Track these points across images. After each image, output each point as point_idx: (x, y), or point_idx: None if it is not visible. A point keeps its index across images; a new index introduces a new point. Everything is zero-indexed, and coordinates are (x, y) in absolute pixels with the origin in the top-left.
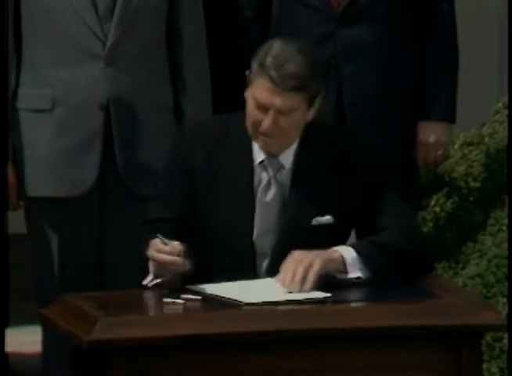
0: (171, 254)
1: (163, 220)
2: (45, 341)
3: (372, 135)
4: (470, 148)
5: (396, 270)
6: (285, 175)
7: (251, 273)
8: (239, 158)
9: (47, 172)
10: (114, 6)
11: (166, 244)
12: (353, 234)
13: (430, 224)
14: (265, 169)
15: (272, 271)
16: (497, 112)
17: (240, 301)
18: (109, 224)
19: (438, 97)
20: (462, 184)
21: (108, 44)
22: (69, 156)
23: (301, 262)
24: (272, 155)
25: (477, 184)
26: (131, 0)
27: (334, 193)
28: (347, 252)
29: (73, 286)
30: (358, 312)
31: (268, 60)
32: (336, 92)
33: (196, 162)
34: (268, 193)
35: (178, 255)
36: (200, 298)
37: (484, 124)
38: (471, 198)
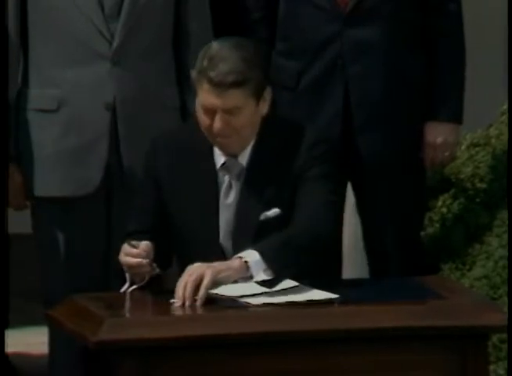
0: (138, 256)
1: (139, 231)
2: (51, 342)
3: (379, 136)
4: (477, 149)
5: (297, 265)
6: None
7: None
8: (202, 165)
9: (53, 172)
10: (121, 6)
11: (135, 247)
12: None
13: (437, 225)
14: (227, 172)
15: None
16: (504, 113)
17: (248, 302)
18: (115, 224)
19: (445, 98)
20: (468, 185)
21: (114, 44)
22: (75, 156)
23: (191, 276)
24: (232, 156)
25: (484, 185)
26: (138, 0)
27: (281, 185)
28: (250, 256)
29: (79, 286)
30: (364, 313)
31: (205, 63)
32: (343, 92)
33: (161, 173)
34: (229, 195)
35: (147, 257)
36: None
37: (490, 126)
38: (478, 199)
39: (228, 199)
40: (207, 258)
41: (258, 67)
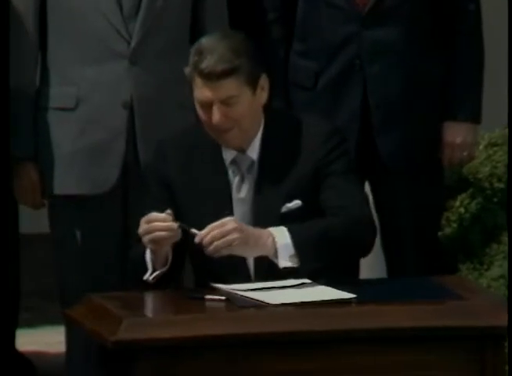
0: (166, 219)
1: None
2: (69, 341)
3: (397, 136)
4: (495, 149)
5: (328, 259)
6: (256, 169)
7: (243, 273)
8: (212, 163)
9: (70, 170)
10: (139, 6)
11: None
12: None
13: (455, 225)
14: (237, 167)
15: (259, 266)
16: None
17: (266, 302)
18: (132, 222)
19: (463, 97)
20: (486, 185)
21: (133, 43)
22: (92, 154)
23: (222, 227)
24: (240, 151)
25: (502, 185)
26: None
27: (299, 178)
28: (281, 237)
29: (94, 285)
30: (382, 313)
31: (195, 58)
32: (361, 93)
33: (171, 175)
34: (241, 189)
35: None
36: (224, 298)
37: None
38: (495, 199)
39: (241, 193)
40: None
41: (247, 55)
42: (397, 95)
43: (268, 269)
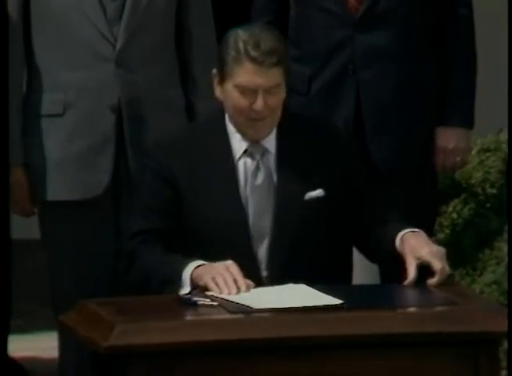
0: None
1: (147, 231)
2: (62, 346)
3: (390, 141)
4: (488, 154)
5: None
6: (271, 159)
7: (249, 260)
8: (217, 158)
9: (60, 176)
10: (123, 8)
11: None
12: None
13: (447, 230)
14: (251, 156)
15: (274, 251)
16: None
17: (254, 308)
18: (124, 226)
19: (456, 103)
20: (479, 190)
21: (118, 46)
22: (82, 159)
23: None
24: (255, 142)
25: (494, 191)
26: (140, 2)
27: (319, 171)
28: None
29: (87, 290)
30: (375, 318)
31: (241, 45)
32: (354, 98)
33: (176, 171)
34: (257, 176)
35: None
36: (216, 303)
37: (501, 131)
38: (488, 205)
39: (258, 180)
40: (231, 243)
41: (287, 48)
42: (390, 99)
43: (276, 257)
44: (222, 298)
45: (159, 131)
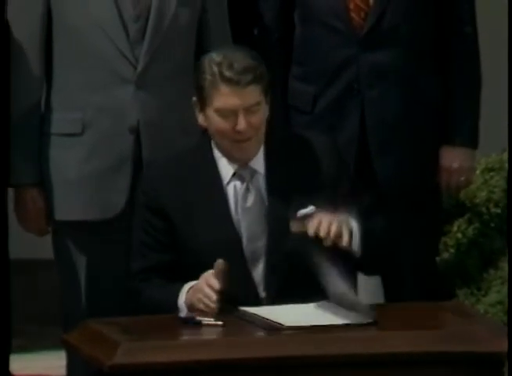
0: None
1: (145, 269)
2: (69, 365)
3: (394, 160)
4: (492, 174)
5: None
6: (260, 180)
7: (246, 282)
8: (206, 183)
9: (77, 196)
10: (145, 29)
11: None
12: None
13: (452, 250)
14: (240, 178)
15: (270, 272)
16: None
17: (285, 325)
18: None
19: (461, 122)
20: (483, 210)
21: (139, 68)
22: (99, 179)
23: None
24: (243, 164)
25: (499, 210)
26: (162, 24)
27: (308, 187)
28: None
29: (98, 311)
30: (383, 337)
31: (216, 68)
32: (359, 116)
33: (166, 201)
34: (247, 198)
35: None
36: (220, 323)
37: (505, 150)
38: (492, 224)
39: (248, 202)
40: (231, 270)
41: (263, 64)
42: (395, 118)
43: (273, 278)
44: (252, 314)
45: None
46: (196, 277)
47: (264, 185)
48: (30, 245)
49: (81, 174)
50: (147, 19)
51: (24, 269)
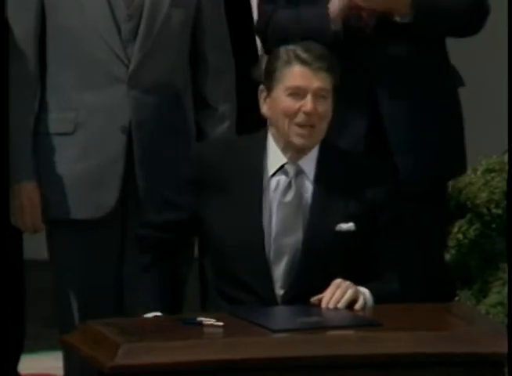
0: None
1: (166, 223)
2: (67, 366)
3: (410, 160)
4: (493, 175)
5: None
6: (305, 180)
7: (264, 277)
8: (250, 173)
9: (69, 195)
10: (138, 29)
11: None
12: None
13: (453, 251)
14: (285, 173)
15: (294, 272)
16: None
17: (266, 327)
18: (129, 247)
19: None
20: (484, 211)
21: (131, 67)
22: (91, 178)
23: (339, 288)
24: (294, 157)
25: (500, 211)
26: (155, 24)
27: (353, 204)
28: (369, 300)
29: (93, 310)
30: (383, 338)
31: (292, 51)
32: (367, 115)
33: (206, 178)
34: (287, 193)
35: None
36: (221, 323)
37: (506, 151)
38: (493, 225)
39: (287, 197)
40: (249, 258)
41: (337, 62)
42: (407, 119)
43: (295, 277)
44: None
45: (168, 153)
46: (215, 263)
47: (310, 188)
48: (30, 245)
49: (73, 173)
50: (140, 19)
51: (24, 270)
